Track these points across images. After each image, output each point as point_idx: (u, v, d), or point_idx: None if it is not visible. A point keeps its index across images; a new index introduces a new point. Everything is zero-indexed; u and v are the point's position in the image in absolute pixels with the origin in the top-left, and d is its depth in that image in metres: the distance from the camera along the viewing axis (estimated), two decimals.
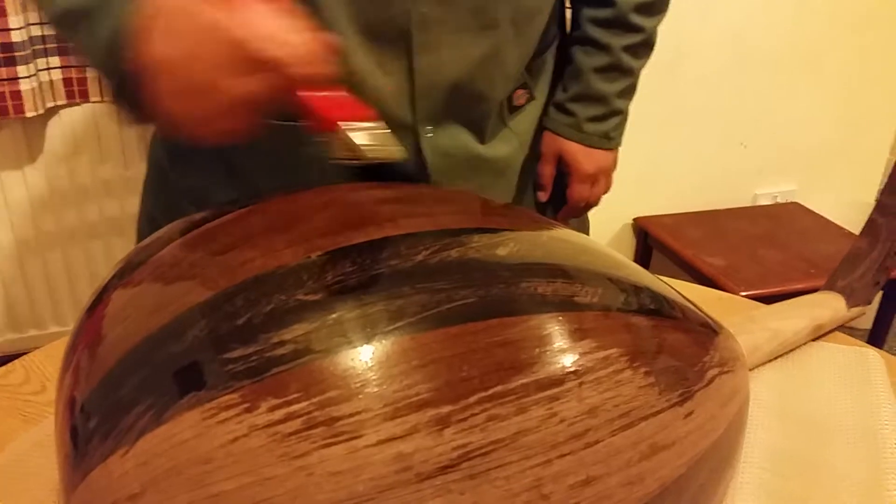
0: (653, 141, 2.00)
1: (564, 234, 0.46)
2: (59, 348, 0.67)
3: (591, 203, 0.88)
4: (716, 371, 0.45)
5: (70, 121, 1.57)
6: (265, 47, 0.41)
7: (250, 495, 0.29)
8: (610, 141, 0.85)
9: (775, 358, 0.64)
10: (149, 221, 0.79)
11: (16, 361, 0.66)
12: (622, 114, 0.86)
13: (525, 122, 0.80)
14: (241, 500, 0.29)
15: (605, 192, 0.91)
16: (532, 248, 0.41)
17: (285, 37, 0.42)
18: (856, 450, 0.55)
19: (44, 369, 0.64)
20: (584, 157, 0.84)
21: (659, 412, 0.38)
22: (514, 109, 0.78)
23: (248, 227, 0.40)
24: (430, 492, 0.30)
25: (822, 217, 2.08)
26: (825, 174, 2.22)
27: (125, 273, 0.41)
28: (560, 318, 0.37)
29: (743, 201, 2.19)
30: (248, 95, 0.42)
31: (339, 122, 0.44)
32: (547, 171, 0.84)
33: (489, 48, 0.67)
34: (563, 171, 0.85)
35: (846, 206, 2.21)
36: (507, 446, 0.32)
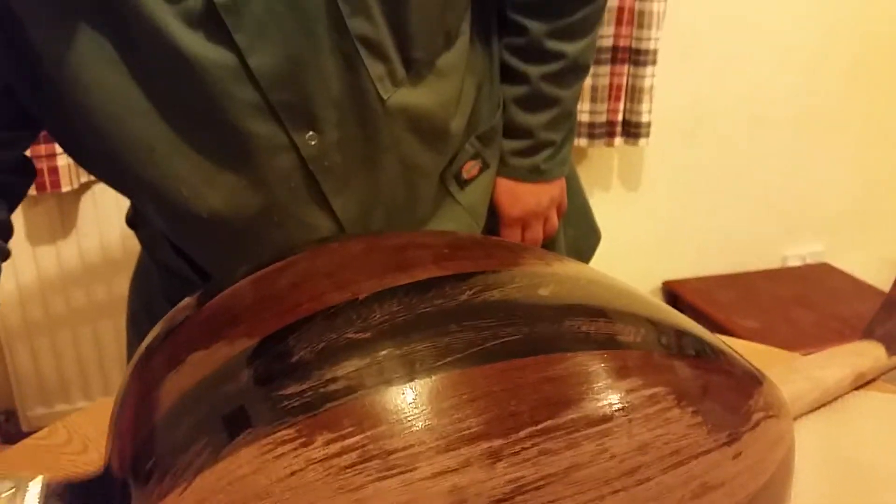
0: (678, 204, 2.02)
1: (602, 276, 0.47)
2: (98, 410, 0.68)
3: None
4: (761, 415, 0.45)
5: (102, 195, 1.62)
6: None
7: None
8: (542, 174, 0.77)
9: (818, 407, 0.63)
10: (132, 321, 0.81)
11: (57, 423, 0.67)
12: (554, 145, 0.77)
13: (477, 192, 0.75)
14: None
15: (547, 237, 0.82)
16: (573, 288, 0.42)
17: None
18: None
19: (85, 430, 0.65)
20: (507, 196, 0.77)
21: (708, 451, 0.38)
22: (465, 184, 0.73)
23: (292, 275, 0.42)
24: None
25: (852, 277, 2.06)
26: (853, 234, 2.22)
27: (170, 328, 0.42)
28: (605, 355, 0.37)
29: (772, 263, 2.18)
30: None
31: None
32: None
33: (399, 164, 0.65)
34: (493, 215, 0.78)
35: (876, 264, 2.19)
36: (560, 481, 0.32)
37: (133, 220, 0.79)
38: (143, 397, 0.39)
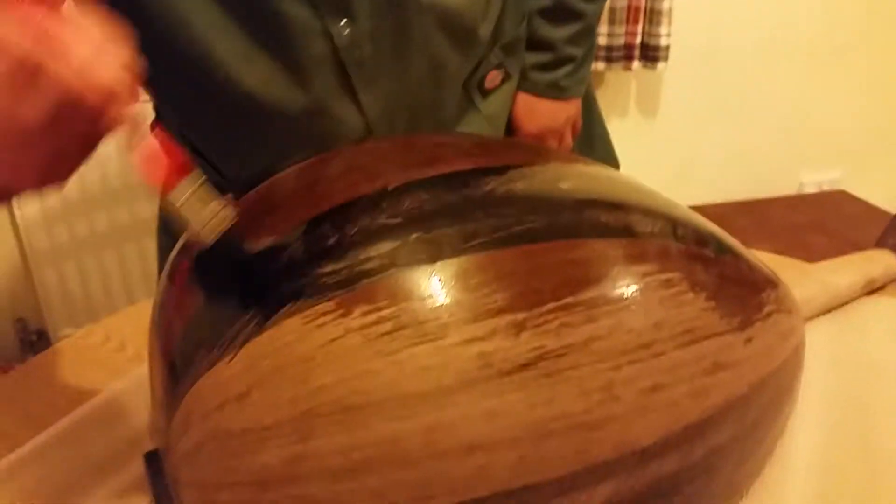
0: (695, 131, 2.00)
1: (623, 175, 0.48)
2: (135, 313, 0.71)
3: None
4: (773, 307, 0.47)
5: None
6: (57, 69, 0.33)
7: (348, 388, 0.32)
8: (562, 91, 0.78)
9: (829, 310, 0.65)
10: (164, 229, 0.83)
11: (93, 325, 0.70)
12: (574, 61, 0.77)
13: (498, 102, 0.75)
14: (340, 391, 0.32)
15: (564, 151, 0.82)
16: (593, 183, 0.44)
17: (88, 61, 0.34)
18: None
19: (121, 330, 0.68)
20: (525, 110, 0.77)
21: (720, 333, 0.40)
22: (487, 93, 0.73)
23: (326, 169, 0.43)
24: (509, 386, 0.32)
25: (868, 203, 2.06)
26: (871, 161, 2.20)
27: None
28: (624, 242, 0.39)
29: (789, 189, 2.17)
30: (46, 123, 0.34)
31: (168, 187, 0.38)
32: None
33: (427, 63, 0.65)
34: (509, 130, 0.78)
35: (894, 191, 2.18)
36: (580, 350, 0.34)
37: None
38: (187, 282, 0.41)
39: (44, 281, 1.69)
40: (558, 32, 0.75)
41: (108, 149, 1.25)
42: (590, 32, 0.78)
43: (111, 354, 0.65)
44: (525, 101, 0.78)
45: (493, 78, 0.72)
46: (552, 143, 0.81)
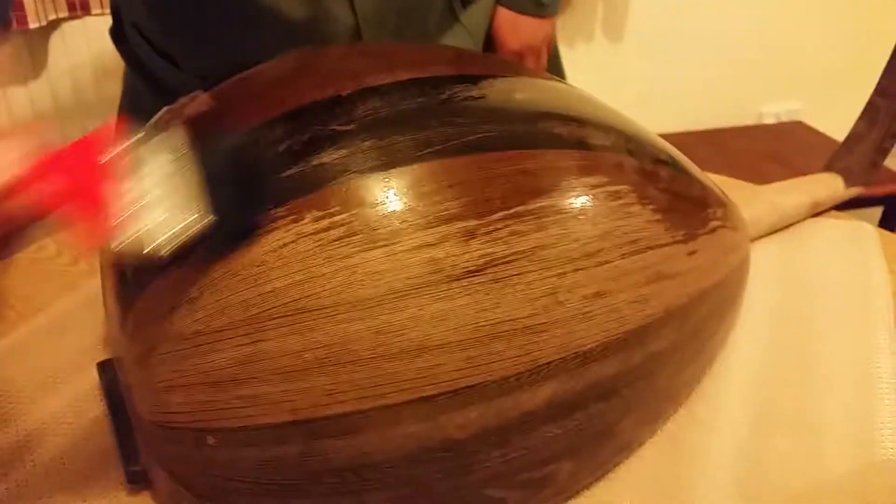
0: (659, 58, 2.00)
1: (580, 91, 0.48)
2: None
3: None
4: (718, 223, 0.48)
5: (71, 34, 1.57)
6: None
7: (300, 290, 0.32)
8: (542, 8, 0.79)
9: (776, 231, 0.67)
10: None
11: (46, 238, 0.69)
12: None
13: (479, 14, 0.76)
14: (292, 294, 0.32)
15: (540, 69, 0.83)
16: (549, 97, 0.44)
17: None
18: (847, 302, 0.59)
19: (74, 245, 0.67)
20: (509, 27, 0.78)
21: (664, 245, 0.41)
22: (468, 3, 0.74)
23: (274, 73, 0.43)
24: (458, 291, 0.33)
25: (826, 136, 2.09)
26: (830, 93, 2.22)
27: (158, 122, 0.44)
28: (575, 154, 0.40)
29: (748, 120, 2.20)
30: None
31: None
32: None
33: None
34: (489, 47, 0.79)
35: (851, 123, 2.21)
36: (527, 257, 0.35)
37: (117, 33, 0.77)
38: None
39: None
40: None
41: (57, 62, 1.20)
42: None
43: (64, 268, 0.64)
44: (507, 18, 0.78)
45: None
46: (530, 61, 0.82)
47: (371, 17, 0.65)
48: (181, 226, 0.32)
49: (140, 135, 0.35)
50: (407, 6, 0.67)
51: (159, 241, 0.32)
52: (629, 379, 0.39)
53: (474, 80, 0.42)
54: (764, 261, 0.63)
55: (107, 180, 0.32)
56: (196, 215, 0.32)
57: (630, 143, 0.44)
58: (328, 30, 0.63)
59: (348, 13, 0.64)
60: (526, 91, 0.43)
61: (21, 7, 1.45)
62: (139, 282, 0.37)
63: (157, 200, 0.32)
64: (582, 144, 0.41)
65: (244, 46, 0.64)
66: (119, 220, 0.32)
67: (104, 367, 0.48)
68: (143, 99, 0.76)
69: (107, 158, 0.33)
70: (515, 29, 0.79)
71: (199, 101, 0.41)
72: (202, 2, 0.64)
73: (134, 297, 0.37)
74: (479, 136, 0.38)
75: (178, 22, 0.68)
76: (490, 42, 0.80)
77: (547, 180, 0.38)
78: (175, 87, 0.72)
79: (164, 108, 0.44)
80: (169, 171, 0.33)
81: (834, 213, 0.72)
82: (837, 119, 2.21)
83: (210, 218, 0.32)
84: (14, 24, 1.45)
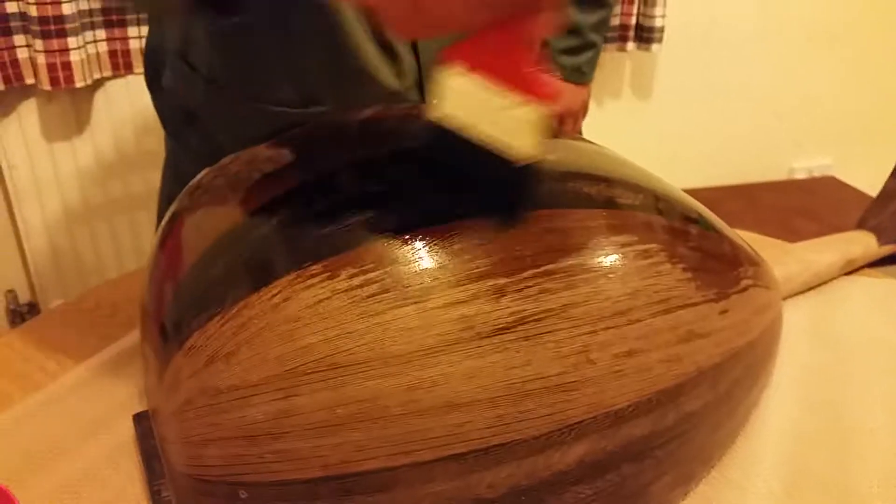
0: (688, 114, 2.01)
1: (609, 151, 0.49)
2: (125, 281, 0.72)
3: None
4: (750, 282, 0.48)
5: (115, 92, 1.63)
6: None
7: (334, 346, 0.33)
8: (582, 76, 0.83)
9: (809, 289, 0.67)
10: (167, 200, 0.84)
11: (86, 292, 0.71)
12: (595, 47, 0.83)
13: None
14: (325, 350, 0.33)
15: (575, 132, 0.88)
16: (579, 157, 0.45)
17: None
18: (881, 361, 0.58)
19: (113, 297, 0.69)
20: None
21: (696, 304, 0.41)
22: None
23: (313, 137, 0.44)
24: (489, 348, 0.34)
25: (858, 190, 2.07)
26: (862, 148, 2.21)
27: (196, 191, 0.45)
28: (604, 213, 0.41)
29: (779, 175, 2.19)
30: None
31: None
32: None
33: None
34: None
35: (883, 179, 2.19)
36: (557, 315, 0.35)
37: (152, 79, 0.79)
38: (176, 248, 0.42)
39: (35, 253, 1.69)
40: (587, 19, 0.80)
41: (100, 119, 1.24)
42: (607, 21, 0.84)
43: (102, 320, 0.65)
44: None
45: None
46: (569, 124, 0.87)
47: (430, 64, 0.67)
48: None
49: None
50: None
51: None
52: (662, 440, 0.38)
53: None
54: (796, 319, 0.63)
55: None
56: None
57: (659, 202, 0.45)
58: (395, 79, 0.65)
59: (410, 58, 0.66)
60: (555, 152, 0.44)
61: (69, 67, 1.52)
62: (178, 335, 0.38)
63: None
64: (611, 203, 0.42)
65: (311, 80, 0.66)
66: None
67: (139, 419, 0.49)
68: (181, 160, 0.78)
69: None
70: (559, 94, 0.82)
71: (240, 161, 0.43)
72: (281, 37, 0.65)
73: (173, 350, 0.38)
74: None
75: (247, 54, 0.69)
76: None
77: (576, 239, 0.38)
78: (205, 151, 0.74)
79: (206, 169, 0.45)
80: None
81: (867, 270, 0.71)
82: (870, 174, 2.19)
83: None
84: (62, 84, 1.52)
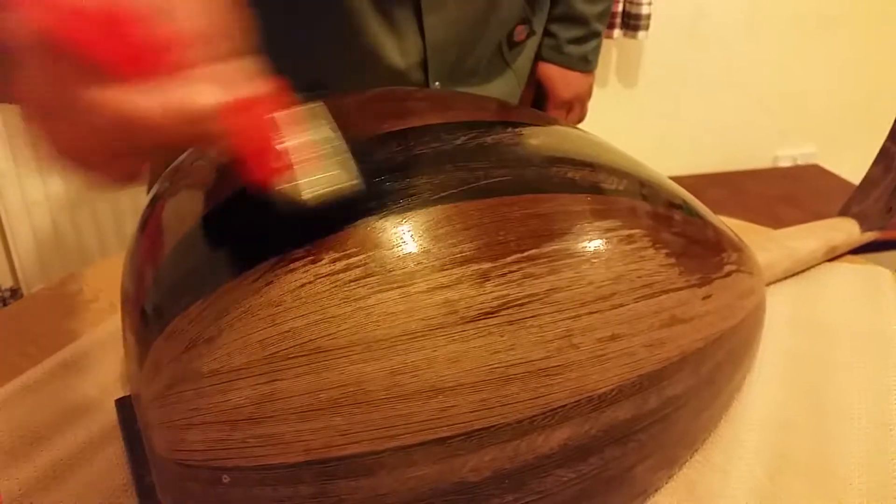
0: (674, 101, 2.02)
1: (593, 136, 0.49)
2: (108, 265, 0.71)
3: None
4: (733, 267, 0.48)
5: None
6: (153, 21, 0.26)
7: (317, 330, 0.33)
8: (587, 64, 0.88)
9: (791, 276, 0.67)
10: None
11: (67, 276, 0.70)
12: (599, 36, 0.88)
13: (524, 57, 0.83)
14: (308, 334, 0.33)
15: (580, 120, 0.94)
16: (561, 141, 0.45)
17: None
18: (863, 346, 0.59)
19: (95, 282, 0.69)
20: (561, 81, 0.87)
21: (679, 289, 0.41)
22: (513, 46, 0.80)
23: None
24: (472, 332, 0.34)
25: (842, 179, 2.09)
26: (846, 136, 2.23)
27: (176, 174, 0.45)
28: (588, 198, 0.40)
29: (763, 163, 2.20)
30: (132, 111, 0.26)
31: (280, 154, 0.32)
32: (526, 95, 0.88)
33: (487, 1, 0.70)
34: (540, 97, 0.89)
35: (866, 166, 2.21)
36: (541, 300, 0.35)
37: None
38: (158, 229, 0.42)
39: (16, 237, 1.68)
40: (592, 9, 0.84)
41: None
42: (610, 10, 0.88)
43: (84, 305, 0.65)
44: (559, 73, 0.87)
45: (520, 31, 0.79)
46: (577, 110, 0.92)
47: (437, 45, 0.69)
48: (335, 183, 0.33)
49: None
50: (466, 40, 0.72)
51: (315, 190, 0.32)
52: (645, 423, 0.39)
53: (488, 126, 0.43)
54: (779, 305, 0.63)
55: (276, 129, 0.32)
56: (350, 176, 0.33)
57: (643, 188, 0.45)
58: (397, 53, 0.66)
59: (416, 40, 0.68)
60: (539, 137, 0.44)
61: None
62: (159, 320, 0.37)
63: (317, 156, 0.33)
64: (595, 189, 0.42)
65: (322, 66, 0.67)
66: (283, 164, 0.32)
67: (122, 404, 0.48)
68: None
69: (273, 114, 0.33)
70: (567, 83, 0.88)
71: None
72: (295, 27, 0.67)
73: (153, 334, 0.38)
74: (493, 180, 0.38)
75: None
76: (540, 93, 0.90)
77: (560, 224, 0.38)
78: None
79: (187, 152, 0.45)
80: (324, 136, 0.34)
81: (849, 257, 0.72)
82: (853, 162, 2.21)
83: (360, 184, 0.33)
84: None
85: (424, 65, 0.69)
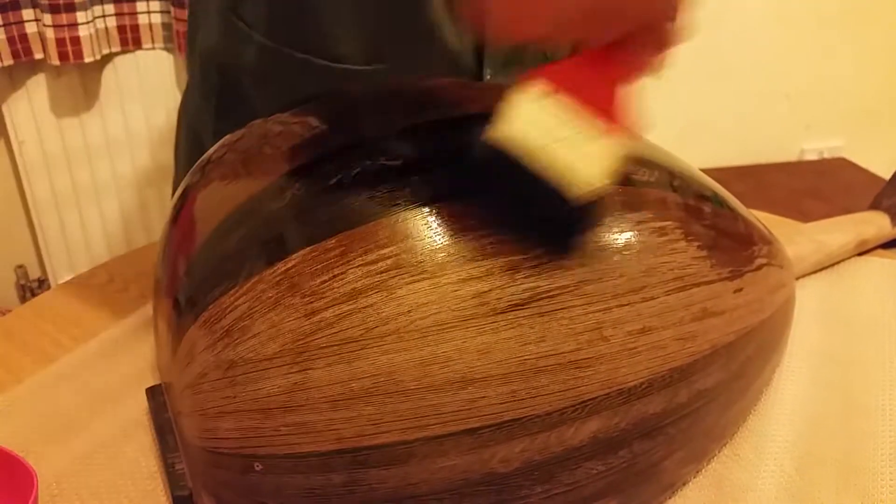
0: (698, 94, 2.00)
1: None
2: (137, 255, 0.72)
3: None
4: (764, 261, 0.48)
5: (124, 67, 1.62)
6: None
7: (348, 321, 0.33)
8: None
9: (821, 269, 0.66)
10: (184, 171, 0.82)
11: (98, 266, 0.71)
12: None
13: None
14: (340, 324, 0.33)
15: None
16: None
17: None
18: (892, 342, 0.58)
19: (125, 271, 0.69)
20: None
21: (710, 282, 0.41)
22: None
23: (328, 111, 0.44)
24: (503, 324, 0.34)
25: (867, 171, 2.06)
26: (873, 130, 2.19)
27: (207, 165, 0.45)
28: (619, 190, 0.40)
29: (789, 156, 2.17)
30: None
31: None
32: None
33: None
34: None
35: (894, 160, 2.18)
36: (572, 292, 0.35)
37: (191, 40, 0.77)
38: (191, 220, 0.42)
39: (45, 228, 1.70)
40: None
41: (109, 94, 1.24)
42: None
43: (114, 295, 0.66)
44: None
45: None
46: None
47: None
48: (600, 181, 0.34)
49: None
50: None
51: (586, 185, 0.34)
52: (674, 417, 0.39)
53: None
54: (808, 300, 0.63)
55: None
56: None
57: (674, 179, 0.45)
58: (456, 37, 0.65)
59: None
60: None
61: (77, 42, 1.51)
62: (192, 309, 0.38)
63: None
64: (626, 180, 0.41)
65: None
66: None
67: (153, 393, 0.49)
68: (205, 122, 0.76)
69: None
70: None
71: (251, 135, 0.43)
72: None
73: (187, 324, 0.38)
74: None
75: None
76: None
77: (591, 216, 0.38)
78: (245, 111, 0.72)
79: (217, 144, 0.45)
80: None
81: (879, 251, 0.71)
82: (880, 156, 2.18)
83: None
84: (71, 59, 1.51)
85: (479, 51, 0.68)
